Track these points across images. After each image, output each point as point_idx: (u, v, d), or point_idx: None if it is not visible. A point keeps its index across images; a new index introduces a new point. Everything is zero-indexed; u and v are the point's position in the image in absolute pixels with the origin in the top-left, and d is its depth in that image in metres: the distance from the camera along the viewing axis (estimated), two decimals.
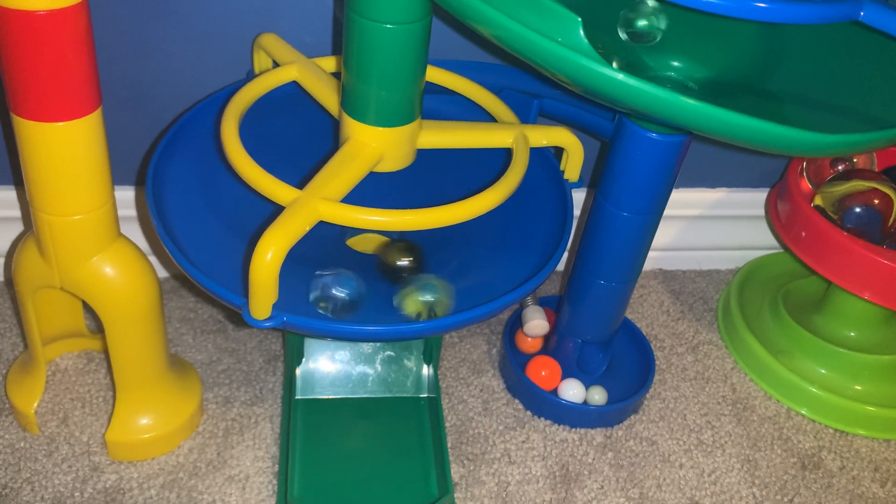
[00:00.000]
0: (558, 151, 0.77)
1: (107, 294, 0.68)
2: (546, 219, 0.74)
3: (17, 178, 0.87)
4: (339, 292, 0.65)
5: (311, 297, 0.66)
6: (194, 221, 0.70)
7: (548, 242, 0.71)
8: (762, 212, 1.02)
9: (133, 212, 0.90)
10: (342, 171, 0.61)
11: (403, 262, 0.73)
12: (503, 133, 0.70)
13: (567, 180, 0.74)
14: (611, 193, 0.72)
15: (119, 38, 0.78)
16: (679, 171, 0.71)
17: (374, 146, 0.64)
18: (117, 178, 0.85)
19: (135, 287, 0.69)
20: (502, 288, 0.66)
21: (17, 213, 0.88)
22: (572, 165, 0.73)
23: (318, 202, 0.57)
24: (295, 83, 0.73)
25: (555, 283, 1.00)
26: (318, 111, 0.74)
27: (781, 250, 1.04)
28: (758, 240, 1.04)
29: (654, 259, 1.04)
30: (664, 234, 1.01)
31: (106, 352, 0.83)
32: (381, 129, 0.63)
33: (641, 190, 0.71)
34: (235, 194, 0.73)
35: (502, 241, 0.75)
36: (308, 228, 0.56)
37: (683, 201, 0.99)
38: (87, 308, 0.87)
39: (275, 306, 0.58)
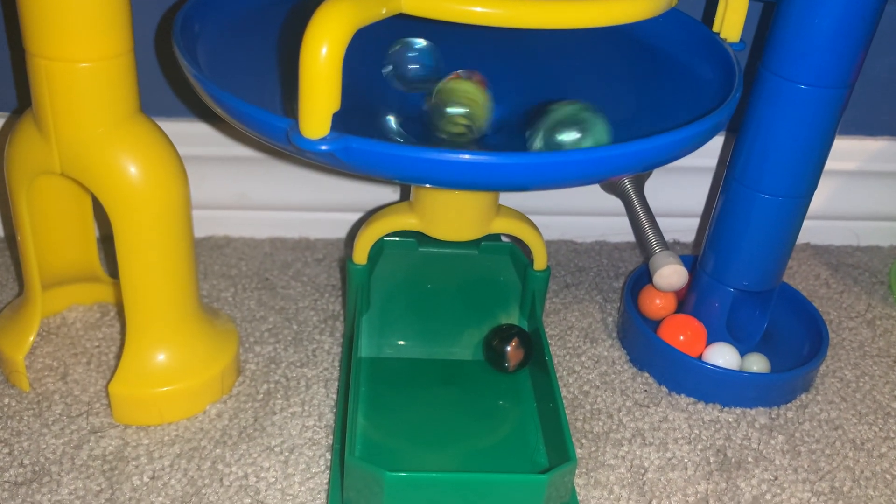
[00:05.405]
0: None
1: (117, 181, 0.52)
2: (704, 84, 0.55)
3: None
4: (414, 66, 0.55)
5: (384, 72, 0.57)
6: (227, 66, 0.54)
7: (713, 101, 0.52)
8: None
9: None
10: None
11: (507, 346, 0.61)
12: None
13: (724, 40, 0.56)
14: (777, 59, 0.54)
15: None
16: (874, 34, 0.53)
17: None
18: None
19: (155, 176, 0.52)
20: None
21: None
22: (732, 16, 0.55)
23: None
24: None
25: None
26: None
27: None
28: None
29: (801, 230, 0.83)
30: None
31: (122, 304, 0.66)
32: None
33: (826, 50, 0.53)
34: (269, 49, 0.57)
35: (652, 109, 0.55)
36: (381, 14, 0.40)
37: (834, 151, 0.79)
38: (103, 249, 0.71)
39: (334, 128, 0.40)
